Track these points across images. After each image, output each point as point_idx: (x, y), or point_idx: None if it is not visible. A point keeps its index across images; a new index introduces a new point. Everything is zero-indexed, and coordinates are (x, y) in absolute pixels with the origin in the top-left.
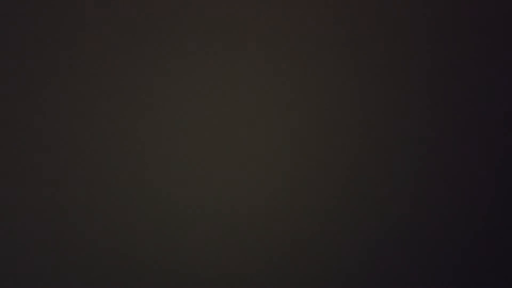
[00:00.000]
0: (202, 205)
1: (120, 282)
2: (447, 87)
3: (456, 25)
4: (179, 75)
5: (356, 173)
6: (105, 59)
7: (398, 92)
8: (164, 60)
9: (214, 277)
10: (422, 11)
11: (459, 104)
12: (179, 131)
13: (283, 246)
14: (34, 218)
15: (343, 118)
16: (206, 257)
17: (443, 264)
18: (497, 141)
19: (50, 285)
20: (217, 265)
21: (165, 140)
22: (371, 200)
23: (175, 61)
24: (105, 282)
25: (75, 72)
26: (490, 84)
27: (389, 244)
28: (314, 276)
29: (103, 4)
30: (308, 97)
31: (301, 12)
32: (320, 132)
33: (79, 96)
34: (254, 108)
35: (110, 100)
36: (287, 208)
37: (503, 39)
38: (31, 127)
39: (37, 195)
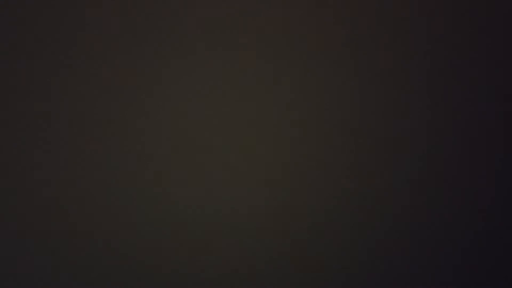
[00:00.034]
0: (202, 205)
1: (120, 282)
2: (447, 87)
3: (456, 25)
4: (179, 75)
5: (356, 173)
6: (105, 59)
7: (398, 92)
8: (164, 60)
9: (214, 277)
10: (422, 11)
11: (459, 104)
12: (179, 131)
13: (283, 246)
14: (34, 218)
15: (343, 118)
16: (206, 257)
17: (443, 264)
18: (497, 141)
19: (50, 285)
20: (217, 265)
21: (165, 140)
22: (371, 200)
23: (175, 61)
24: (105, 282)
25: (75, 72)
26: (490, 84)
27: (389, 244)
28: (314, 276)
29: (103, 4)
30: (308, 97)
31: (301, 12)
32: (320, 132)
33: (79, 96)
34: (254, 108)
35: (110, 100)
36: (287, 208)
37: (503, 39)
38: (31, 127)
39: (37, 195)
